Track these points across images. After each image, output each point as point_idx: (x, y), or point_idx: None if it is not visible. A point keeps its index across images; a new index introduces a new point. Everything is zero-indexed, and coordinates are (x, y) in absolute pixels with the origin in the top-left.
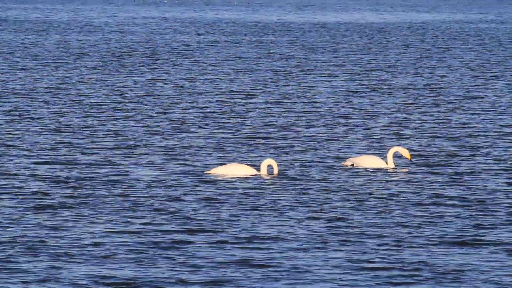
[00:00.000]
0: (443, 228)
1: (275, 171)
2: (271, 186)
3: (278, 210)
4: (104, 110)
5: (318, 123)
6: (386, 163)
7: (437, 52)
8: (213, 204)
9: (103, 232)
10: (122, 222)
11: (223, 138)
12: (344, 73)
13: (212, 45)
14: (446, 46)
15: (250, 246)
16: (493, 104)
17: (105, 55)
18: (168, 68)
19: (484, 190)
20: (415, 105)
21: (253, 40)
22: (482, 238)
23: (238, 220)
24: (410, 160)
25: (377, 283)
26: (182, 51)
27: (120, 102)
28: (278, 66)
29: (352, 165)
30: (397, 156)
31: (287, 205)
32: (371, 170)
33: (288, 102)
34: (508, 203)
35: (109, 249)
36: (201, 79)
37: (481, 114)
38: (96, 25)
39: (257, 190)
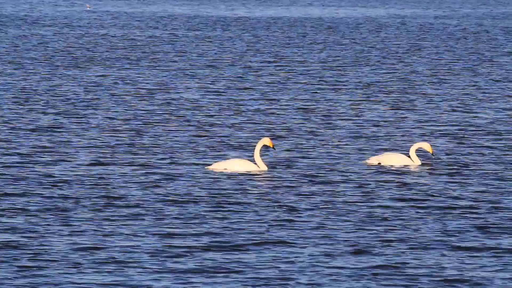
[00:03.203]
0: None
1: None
2: (285, 183)
3: (293, 209)
4: (93, 107)
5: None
6: (412, 160)
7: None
8: (216, 201)
9: (102, 232)
10: (122, 222)
11: (223, 133)
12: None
13: (178, 40)
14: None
15: (259, 249)
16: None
17: (62, 51)
18: (145, 63)
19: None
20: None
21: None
22: None
23: (246, 220)
24: (432, 154)
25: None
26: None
27: (114, 98)
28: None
29: (379, 163)
30: (419, 151)
31: (300, 203)
32: (398, 169)
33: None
34: None
35: (112, 250)
36: (191, 75)
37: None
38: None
39: (264, 187)
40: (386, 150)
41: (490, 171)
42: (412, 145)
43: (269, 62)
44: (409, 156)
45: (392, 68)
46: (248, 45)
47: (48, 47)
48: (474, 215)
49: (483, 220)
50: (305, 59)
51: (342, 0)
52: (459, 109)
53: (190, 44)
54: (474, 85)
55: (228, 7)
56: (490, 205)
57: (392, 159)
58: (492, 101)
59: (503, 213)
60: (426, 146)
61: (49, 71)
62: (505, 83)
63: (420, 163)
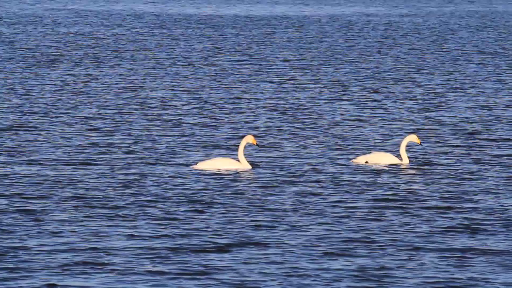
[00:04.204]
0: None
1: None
2: (271, 183)
3: (278, 208)
4: (64, 107)
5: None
6: (400, 159)
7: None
8: (202, 200)
9: (81, 233)
10: (100, 222)
11: (209, 132)
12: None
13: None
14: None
15: (245, 250)
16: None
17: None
18: (124, 62)
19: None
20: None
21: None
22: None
23: (231, 219)
24: (420, 144)
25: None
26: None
27: (84, 97)
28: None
29: (366, 163)
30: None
31: (282, 202)
32: (386, 168)
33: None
34: None
35: (92, 252)
36: (169, 73)
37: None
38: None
39: (251, 185)
40: (363, 149)
41: (471, 171)
42: (401, 142)
43: (238, 60)
44: (397, 155)
45: (360, 66)
46: (215, 43)
47: (13, 45)
48: (458, 215)
49: (466, 220)
50: (272, 57)
51: None
52: (428, 107)
53: (157, 43)
54: (442, 84)
55: (194, 5)
56: (473, 205)
57: (380, 159)
58: (460, 100)
59: (484, 213)
60: (413, 138)
61: (17, 70)
62: (473, 82)
63: (408, 162)
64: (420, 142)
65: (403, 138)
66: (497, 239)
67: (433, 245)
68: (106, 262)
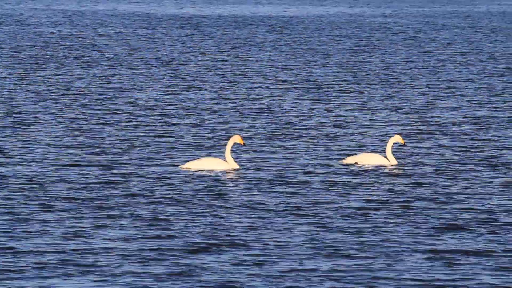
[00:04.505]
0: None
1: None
2: (254, 183)
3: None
4: (48, 107)
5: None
6: (388, 159)
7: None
8: (189, 201)
9: (68, 234)
10: (87, 223)
11: (197, 132)
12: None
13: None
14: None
15: (236, 250)
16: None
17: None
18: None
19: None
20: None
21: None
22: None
23: (219, 219)
24: (404, 144)
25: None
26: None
27: (68, 98)
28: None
29: (356, 163)
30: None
31: (269, 204)
32: (375, 169)
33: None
34: None
35: (77, 253)
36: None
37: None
38: None
39: (239, 185)
40: (350, 150)
41: (458, 171)
42: (386, 144)
43: (223, 60)
44: (386, 156)
45: (343, 67)
46: (197, 44)
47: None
48: (445, 216)
49: (453, 220)
50: (257, 58)
51: None
52: (414, 108)
53: (142, 43)
54: (426, 84)
55: (177, 6)
56: (459, 206)
57: (369, 159)
58: (445, 100)
59: (470, 213)
60: (398, 138)
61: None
62: (458, 83)
63: (396, 163)
64: (404, 143)
65: (388, 139)
66: (482, 239)
67: (420, 246)
68: (91, 263)
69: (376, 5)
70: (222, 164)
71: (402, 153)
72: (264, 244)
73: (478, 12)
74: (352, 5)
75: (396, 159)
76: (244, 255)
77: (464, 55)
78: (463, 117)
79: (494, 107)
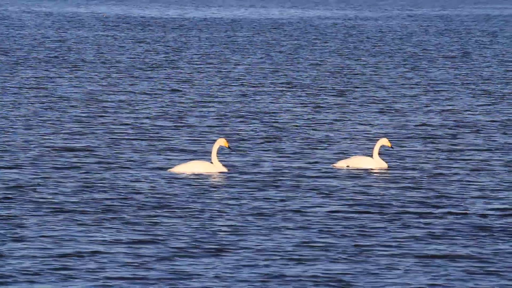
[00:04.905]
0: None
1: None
2: (248, 186)
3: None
4: (32, 109)
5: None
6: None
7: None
8: (177, 204)
9: (55, 239)
10: (82, 227)
11: (185, 136)
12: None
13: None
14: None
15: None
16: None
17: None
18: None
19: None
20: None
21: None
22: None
23: (207, 223)
24: (391, 147)
25: None
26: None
27: (50, 100)
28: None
29: (347, 166)
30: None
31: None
32: (365, 171)
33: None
34: None
35: (63, 257)
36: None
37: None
38: None
39: (227, 189)
40: (341, 154)
41: (444, 175)
42: (373, 148)
43: (208, 63)
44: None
45: (334, 70)
46: (181, 46)
47: None
48: (437, 221)
49: (439, 225)
50: (240, 60)
51: (271, 1)
52: (398, 110)
53: (129, 45)
54: (410, 87)
55: (161, 8)
56: (445, 210)
57: (361, 162)
58: (424, 104)
59: (456, 218)
60: (384, 141)
61: None
62: (446, 86)
63: (387, 166)
64: (391, 145)
65: (375, 143)
66: (472, 243)
67: (408, 250)
68: (78, 268)
69: (363, 7)
70: (210, 167)
71: (390, 157)
72: (252, 248)
73: (460, 15)
74: (340, 8)
75: (385, 162)
76: (232, 259)
77: (453, 58)
78: (453, 121)
79: (484, 111)
